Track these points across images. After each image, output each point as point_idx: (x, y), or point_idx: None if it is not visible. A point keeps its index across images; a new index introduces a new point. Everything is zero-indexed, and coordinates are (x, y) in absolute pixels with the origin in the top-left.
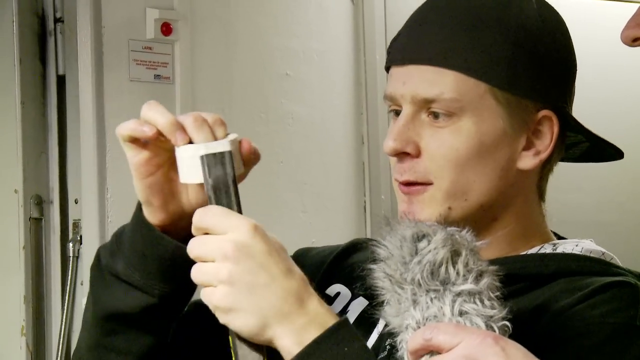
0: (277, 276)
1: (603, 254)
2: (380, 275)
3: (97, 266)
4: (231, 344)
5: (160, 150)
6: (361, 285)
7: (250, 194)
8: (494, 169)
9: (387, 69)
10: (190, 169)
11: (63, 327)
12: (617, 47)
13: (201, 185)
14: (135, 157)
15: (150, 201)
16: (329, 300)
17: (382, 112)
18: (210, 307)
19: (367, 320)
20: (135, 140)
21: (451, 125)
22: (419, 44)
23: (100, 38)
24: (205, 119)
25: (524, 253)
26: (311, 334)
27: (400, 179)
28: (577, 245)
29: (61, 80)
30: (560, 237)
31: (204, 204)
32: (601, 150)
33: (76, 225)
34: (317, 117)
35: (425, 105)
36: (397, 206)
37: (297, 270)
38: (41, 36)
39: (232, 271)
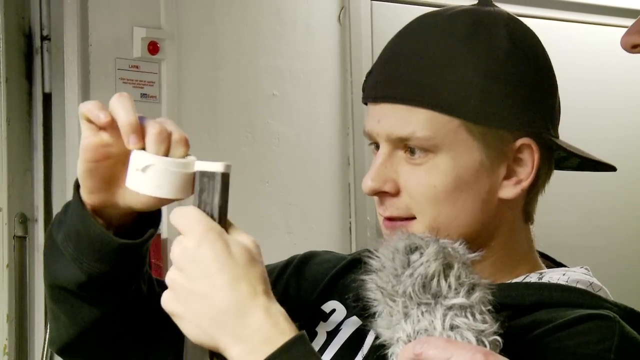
0: (219, 286)
1: (591, 284)
2: (372, 287)
3: (49, 233)
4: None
5: (116, 141)
6: (352, 296)
7: (236, 214)
8: (475, 202)
9: (365, 103)
10: (139, 178)
11: (46, 346)
12: (600, 74)
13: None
14: (87, 138)
15: (84, 183)
16: (324, 316)
17: None
18: None
19: (356, 340)
20: (92, 122)
21: (428, 162)
22: (390, 82)
23: (87, 56)
24: (169, 136)
25: (509, 282)
26: (260, 349)
27: (384, 215)
28: (564, 275)
29: (47, 98)
30: (556, 262)
31: (141, 206)
32: (594, 163)
33: None
34: (303, 137)
35: (401, 142)
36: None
37: (248, 278)
38: (27, 54)
39: (174, 277)
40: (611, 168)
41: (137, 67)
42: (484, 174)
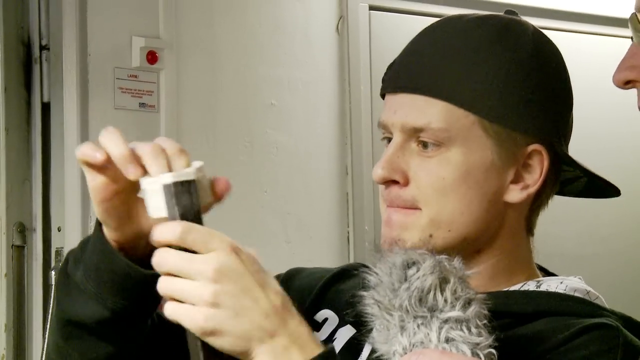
0: (260, 298)
1: (588, 292)
2: (370, 302)
3: (63, 270)
4: (190, 350)
5: (120, 176)
6: (350, 312)
7: (234, 222)
8: (481, 201)
9: (383, 96)
10: (147, 204)
11: (44, 356)
12: (599, 83)
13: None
14: (92, 181)
15: (105, 222)
16: (316, 325)
17: (366, 143)
18: (191, 326)
19: (353, 349)
20: (91, 164)
21: (439, 155)
22: (411, 73)
23: (85, 66)
24: (163, 150)
25: (507, 289)
26: (292, 356)
27: (389, 206)
28: (561, 283)
29: (46, 108)
30: (548, 273)
31: None
32: (599, 186)
33: (59, 253)
34: (301, 147)
35: (415, 134)
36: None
37: (275, 286)
38: (26, 63)
39: (217, 293)
40: (616, 192)
41: (135, 76)
42: (493, 174)
